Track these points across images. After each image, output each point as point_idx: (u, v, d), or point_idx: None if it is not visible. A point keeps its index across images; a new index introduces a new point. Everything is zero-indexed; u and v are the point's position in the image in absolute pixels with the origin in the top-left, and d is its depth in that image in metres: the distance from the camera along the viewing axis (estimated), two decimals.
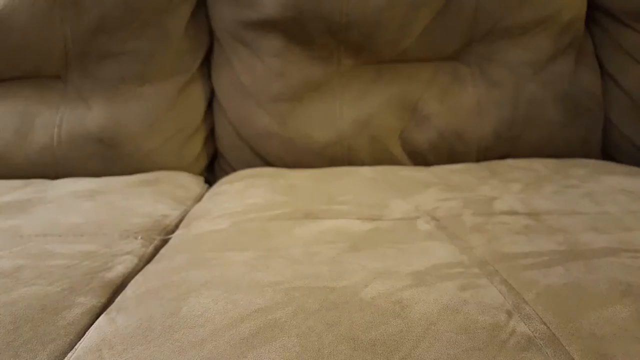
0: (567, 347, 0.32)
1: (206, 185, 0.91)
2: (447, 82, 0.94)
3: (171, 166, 0.93)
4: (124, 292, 0.44)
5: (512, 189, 0.70)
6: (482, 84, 0.94)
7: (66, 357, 0.34)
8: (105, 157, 0.91)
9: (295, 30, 0.92)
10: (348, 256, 0.46)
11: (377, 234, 0.53)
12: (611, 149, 0.95)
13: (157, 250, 0.57)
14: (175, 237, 0.60)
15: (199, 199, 0.80)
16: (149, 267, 0.50)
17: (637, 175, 0.76)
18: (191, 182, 0.87)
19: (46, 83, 0.95)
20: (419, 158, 0.94)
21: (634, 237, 0.50)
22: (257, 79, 0.94)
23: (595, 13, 0.96)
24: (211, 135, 1.01)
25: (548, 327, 0.34)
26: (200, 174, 0.98)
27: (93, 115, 0.92)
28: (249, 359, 0.31)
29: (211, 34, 1.00)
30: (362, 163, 0.92)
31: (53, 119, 0.92)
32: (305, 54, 0.94)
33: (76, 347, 0.35)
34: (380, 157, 0.92)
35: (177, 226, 0.66)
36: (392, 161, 0.92)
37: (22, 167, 0.91)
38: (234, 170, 0.96)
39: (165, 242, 0.60)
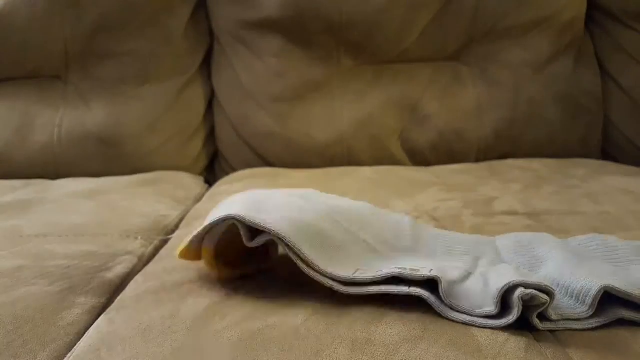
0: (566, 348, 0.32)
1: (206, 185, 0.91)
2: (447, 82, 0.94)
3: (171, 166, 0.93)
4: (123, 292, 0.44)
5: (512, 189, 0.70)
6: (482, 84, 0.94)
7: (65, 358, 0.34)
8: (105, 157, 0.91)
9: (295, 30, 0.92)
10: None
11: None
12: (611, 149, 0.95)
13: (157, 250, 0.57)
14: (175, 238, 0.60)
15: (199, 199, 0.80)
16: (149, 267, 0.49)
17: (637, 175, 0.76)
18: (191, 182, 0.87)
19: (46, 83, 0.95)
20: (419, 158, 0.94)
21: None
22: (257, 79, 0.95)
23: (595, 13, 0.96)
24: (211, 135, 1.01)
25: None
26: (200, 174, 0.98)
27: (93, 115, 0.92)
28: None
29: (211, 34, 1.00)
30: (362, 163, 0.92)
31: (53, 119, 0.92)
32: (305, 54, 0.94)
33: (75, 347, 0.35)
34: (380, 157, 0.92)
35: (177, 226, 0.66)
36: (392, 161, 0.92)
37: (22, 167, 0.91)
38: (234, 170, 0.97)
39: (165, 242, 0.60)
